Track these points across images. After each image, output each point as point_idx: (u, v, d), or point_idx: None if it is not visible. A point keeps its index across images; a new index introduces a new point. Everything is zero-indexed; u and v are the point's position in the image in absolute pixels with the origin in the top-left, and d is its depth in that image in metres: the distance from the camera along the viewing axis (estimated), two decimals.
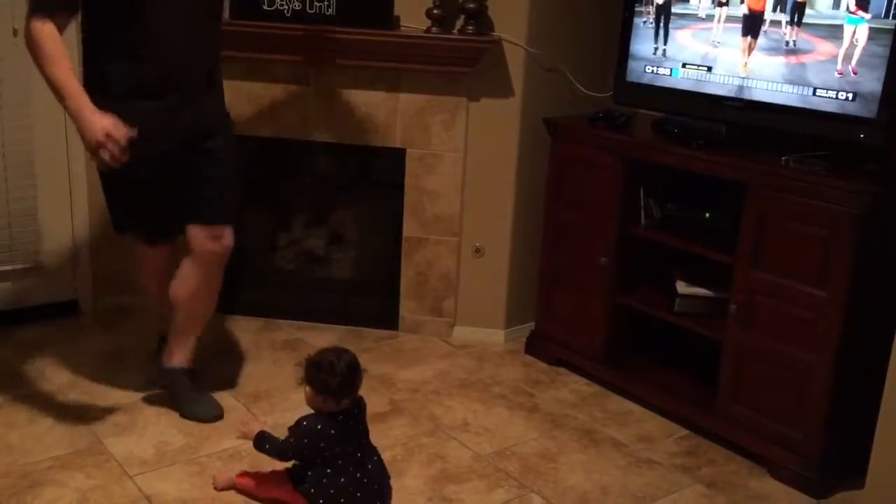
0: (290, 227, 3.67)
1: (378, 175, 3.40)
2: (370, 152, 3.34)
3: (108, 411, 2.75)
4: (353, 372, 2.19)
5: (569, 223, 3.11)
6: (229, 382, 2.97)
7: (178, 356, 2.77)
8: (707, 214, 2.80)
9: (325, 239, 3.70)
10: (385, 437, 2.68)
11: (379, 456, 2.28)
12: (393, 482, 2.39)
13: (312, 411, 2.21)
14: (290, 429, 2.21)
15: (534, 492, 2.45)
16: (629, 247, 2.97)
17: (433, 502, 2.38)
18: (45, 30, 2.22)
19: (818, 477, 2.49)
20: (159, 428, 2.67)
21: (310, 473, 2.20)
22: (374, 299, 3.52)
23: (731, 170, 2.60)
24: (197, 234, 2.61)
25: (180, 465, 2.47)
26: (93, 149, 2.24)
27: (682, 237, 2.82)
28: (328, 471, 2.18)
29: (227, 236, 2.66)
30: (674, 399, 2.86)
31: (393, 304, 3.47)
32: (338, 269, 3.68)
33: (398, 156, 3.30)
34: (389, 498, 2.27)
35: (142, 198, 2.63)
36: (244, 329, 3.40)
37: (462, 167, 3.28)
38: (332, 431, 2.16)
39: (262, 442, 2.25)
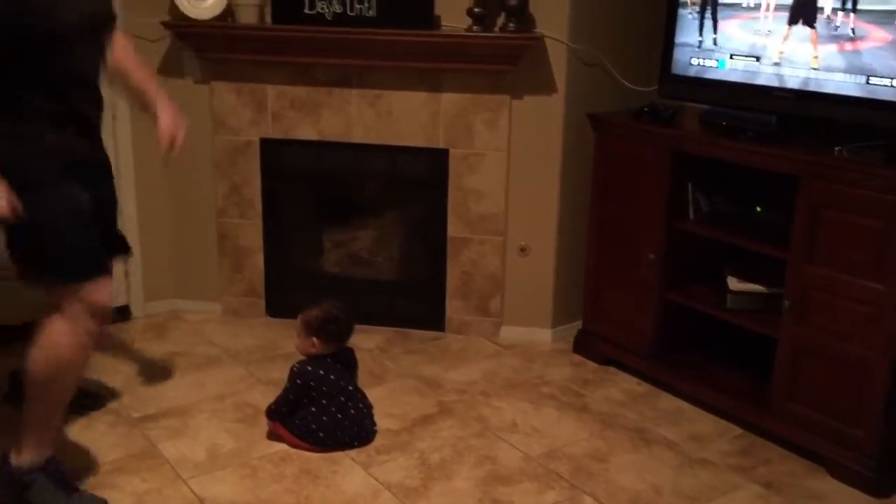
0: (334, 230, 3.68)
1: (421, 176, 3.39)
2: (413, 153, 3.33)
3: (161, 415, 2.79)
4: (350, 320, 2.69)
5: (615, 219, 3.06)
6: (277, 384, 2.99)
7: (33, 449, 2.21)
8: (758, 208, 2.74)
9: (369, 241, 3.71)
10: (434, 439, 2.67)
11: (367, 406, 2.68)
12: (442, 484, 2.39)
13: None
14: (287, 379, 2.63)
15: (585, 493, 2.42)
16: (678, 242, 2.92)
17: None
18: None
19: (878, 476, 2.42)
20: (211, 431, 2.70)
21: (298, 410, 2.60)
22: (419, 300, 3.52)
23: (782, 162, 2.54)
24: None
25: (232, 469, 2.50)
26: None
27: (732, 232, 2.76)
28: (313, 409, 2.58)
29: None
30: (727, 397, 2.81)
31: (439, 305, 3.46)
32: (383, 270, 3.68)
33: (441, 156, 3.29)
34: (368, 441, 2.63)
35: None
36: (292, 334, 3.41)
37: (506, 166, 3.25)
38: (321, 371, 2.59)
39: (271, 411, 2.65)
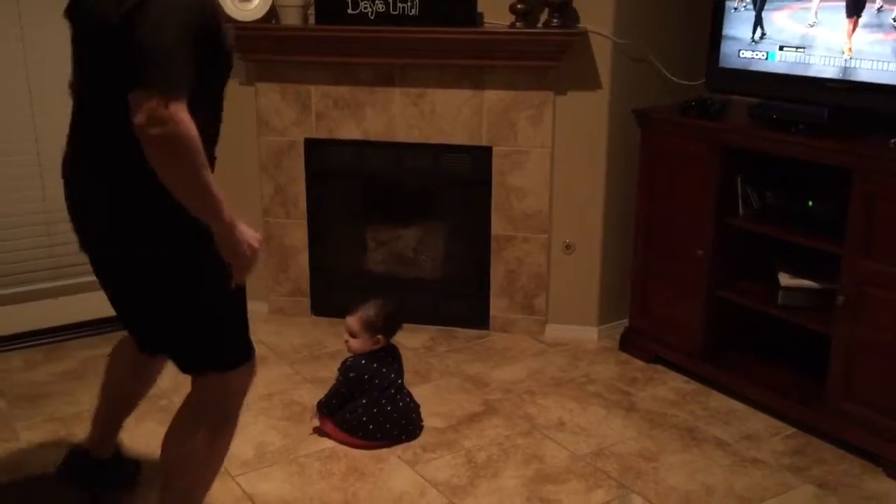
0: (378, 229, 3.69)
1: (465, 173, 3.38)
2: (456, 151, 3.32)
3: None
4: (399, 318, 2.74)
5: (662, 216, 3.02)
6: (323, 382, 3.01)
7: None
8: (810, 202, 2.68)
9: (413, 240, 3.71)
10: (480, 438, 2.66)
11: (413, 401, 2.71)
12: (489, 483, 2.37)
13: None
14: (339, 370, 2.70)
15: (634, 492, 2.39)
16: (727, 238, 2.87)
17: (531, 503, 2.35)
18: (187, 120, 1.57)
19: None
20: (258, 429, 2.72)
21: (348, 404, 2.63)
22: (464, 299, 3.51)
23: (835, 155, 2.48)
24: None
25: (280, 466, 2.51)
26: (251, 262, 1.79)
27: (784, 227, 2.71)
28: (363, 401, 2.61)
29: None
30: (779, 396, 2.75)
31: (483, 304, 3.45)
32: (427, 269, 3.68)
33: (485, 154, 3.28)
34: (415, 436, 2.66)
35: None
36: (337, 332, 3.43)
37: (550, 163, 3.23)
38: (374, 364, 2.65)
39: (321, 404, 2.69)
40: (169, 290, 1.82)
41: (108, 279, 1.95)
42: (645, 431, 2.71)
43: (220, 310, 1.88)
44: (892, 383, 2.42)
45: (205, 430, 1.96)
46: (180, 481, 2.01)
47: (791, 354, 2.92)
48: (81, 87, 1.82)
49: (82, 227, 1.91)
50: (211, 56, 1.69)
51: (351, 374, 2.66)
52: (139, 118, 1.54)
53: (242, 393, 2.00)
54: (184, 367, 1.96)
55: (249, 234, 1.78)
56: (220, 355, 1.92)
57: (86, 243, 1.92)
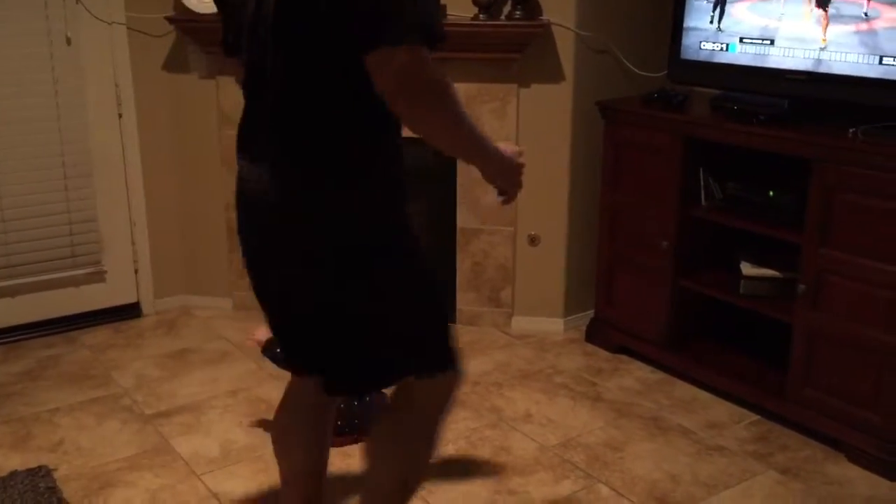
0: None
1: (429, 167, 3.37)
2: (421, 144, 3.30)
3: (174, 412, 2.78)
4: None
5: (626, 207, 3.04)
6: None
7: None
8: (771, 193, 2.71)
9: None
10: (448, 431, 2.66)
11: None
12: (458, 476, 2.38)
13: None
14: None
15: (601, 482, 2.40)
16: (690, 229, 2.89)
17: (500, 495, 2.35)
18: (441, 69, 1.44)
19: None
20: (224, 426, 2.69)
21: None
22: None
23: (795, 145, 2.51)
24: None
25: (246, 464, 2.49)
26: (519, 179, 1.75)
27: (745, 217, 2.74)
28: None
29: None
30: (742, 384, 2.78)
31: (449, 297, 3.44)
32: None
33: None
34: None
35: None
36: None
37: None
38: None
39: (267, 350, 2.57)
40: (380, 291, 1.60)
41: (297, 301, 1.68)
42: (611, 421, 2.73)
43: (424, 310, 1.69)
44: (852, 370, 2.46)
45: (413, 452, 1.76)
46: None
47: (754, 343, 2.95)
48: (277, 90, 1.53)
49: (277, 245, 1.62)
50: None
51: None
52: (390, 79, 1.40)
53: (448, 405, 1.78)
54: (381, 382, 1.74)
55: (510, 151, 1.69)
56: (432, 359, 1.70)
57: (271, 263, 1.67)
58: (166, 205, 3.50)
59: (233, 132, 3.45)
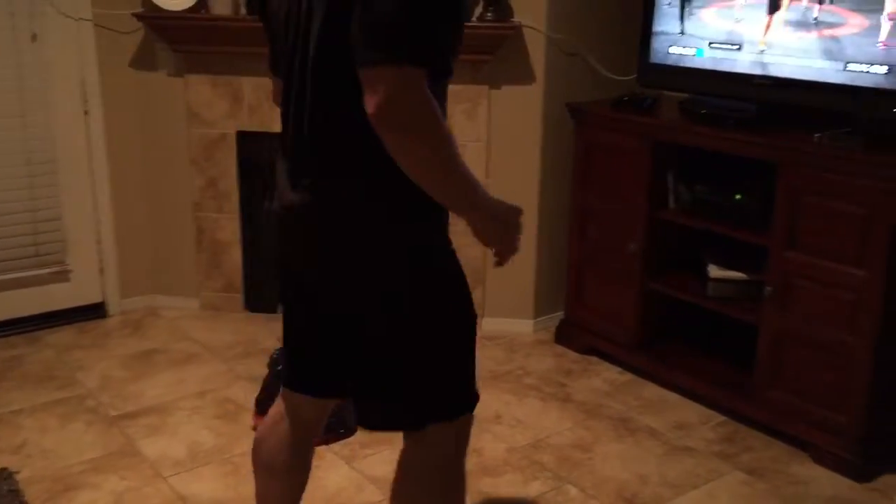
0: None
1: None
2: None
3: (140, 413, 2.74)
4: None
5: (596, 209, 3.06)
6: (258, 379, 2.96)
7: None
8: (738, 196, 2.74)
9: None
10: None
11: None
12: None
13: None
14: (267, 366, 2.64)
15: (570, 483, 2.41)
16: (659, 231, 2.91)
17: (469, 496, 2.34)
18: (429, 94, 1.34)
19: (862, 460, 2.44)
20: (191, 428, 2.66)
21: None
22: None
23: (762, 149, 2.54)
24: None
25: (213, 466, 2.46)
26: (515, 241, 1.58)
27: (712, 220, 2.76)
28: None
29: None
30: (709, 385, 2.81)
31: None
32: None
33: None
34: (352, 432, 2.59)
35: None
36: (272, 328, 3.38)
37: (485, 156, 3.23)
38: None
39: (258, 402, 2.62)
40: (414, 321, 1.51)
41: (328, 319, 1.61)
42: (580, 422, 2.74)
43: (460, 344, 1.58)
44: (817, 371, 2.49)
45: (440, 496, 1.66)
46: None
47: (721, 344, 2.98)
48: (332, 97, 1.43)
49: (318, 261, 1.53)
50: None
51: (278, 368, 2.61)
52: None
53: (467, 445, 1.69)
54: (408, 422, 1.59)
55: (507, 208, 1.52)
56: (454, 400, 1.59)
57: (308, 281, 1.60)
58: (133, 203, 3.46)
59: (202, 130, 3.44)
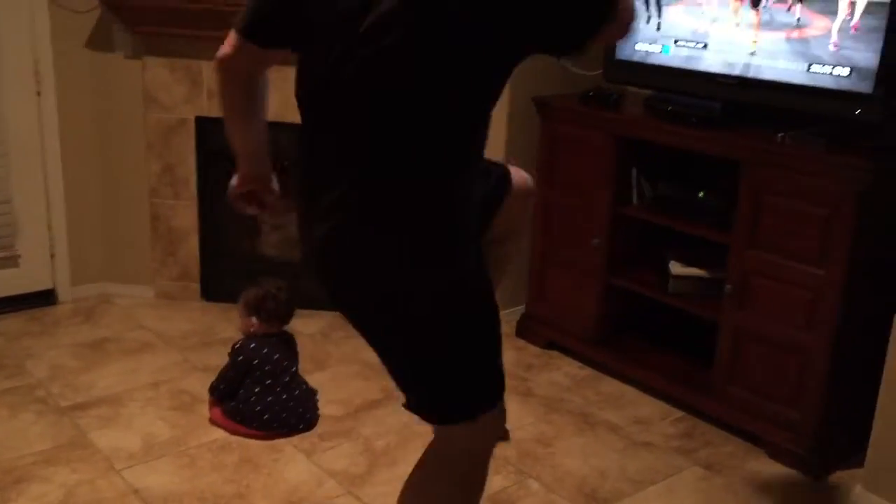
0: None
1: None
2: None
3: (92, 404, 2.67)
4: (291, 300, 2.65)
5: (560, 204, 3.06)
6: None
7: None
8: (701, 194, 2.76)
9: None
10: (379, 425, 2.63)
11: (309, 388, 2.64)
12: (387, 471, 2.35)
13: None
14: (228, 354, 2.60)
15: (532, 477, 2.41)
16: (622, 227, 2.92)
17: None
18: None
19: (817, 457, 2.48)
20: (146, 419, 2.60)
21: (241, 392, 2.54)
22: None
23: (725, 148, 2.56)
24: None
25: (169, 458, 2.41)
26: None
27: (675, 217, 2.78)
28: (256, 389, 2.52)
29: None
30: (669, 381, 2.83)
31: None
32: None
33: None
34: (312, 425, 2.59)
35: None
36: (229, 318, 3.31)
37: None
38: (265, 349, 2.55)
39: (212, 388, 2.62)
40: (450, 319, 1.53)
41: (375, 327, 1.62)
42: (542, 417, 2.74)
43: (490, 336, 1.61)
44: (775, 369, 2.53)
45: (461, 492, 1.67)
46: None
47: (681, 341, 3.01)
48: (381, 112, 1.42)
49: (363, 282, 1.53)
50: None
51: (239, 358, 2.57)
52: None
53: (494, 441, 1.72)
54: (444, 415, 1.61)
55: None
56: (485, 392, 1.61)
57: (353, 299, 1.59)
58: (86, 188, 3.36)
59: (159, 115, 3.35)
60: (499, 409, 1.63)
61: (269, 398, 2.53)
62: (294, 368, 2.62)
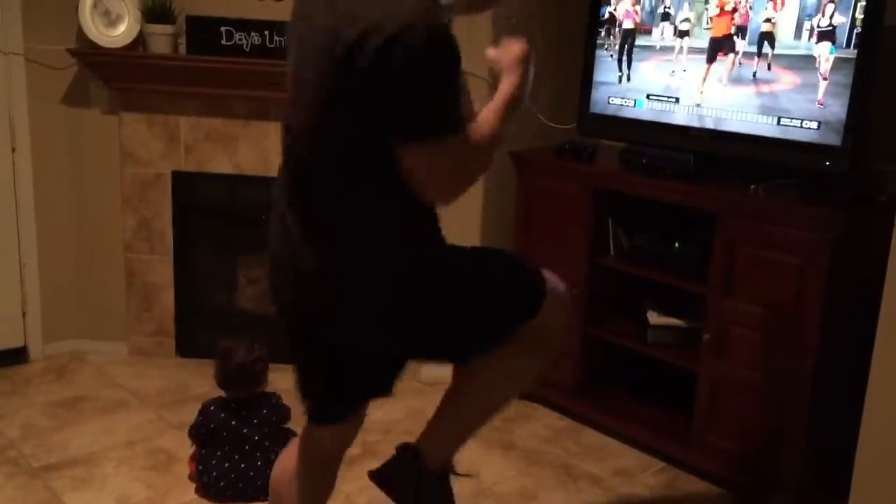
0: (251, 266, 3.57)
1: None
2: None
3: (66, 464, 2.61)
4: (242, 369, 2.51)
5: (538, 255, 3.07)
6: None
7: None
8: (676, 244, 2.80)
9: None
10: (359, 480, 2.58)
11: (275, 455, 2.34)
12: None
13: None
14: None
15: None
16: (599, 278, 2.95)
17: None
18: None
19: None
20: (120, 480, 2.54)
21: (204, 452, 2.48)
22: None
23: (699, 199, 2.61)
24: None
25: None
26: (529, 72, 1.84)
27: (652, 267, 2.81)
28: (218, 453, 2.46)
29: None
30: (649, 431, 2.83)
31: None
32: None
33: None
34: None
35: None
36: (205, 374, 3.27)
37: None
38: (222, 414, 2.48)
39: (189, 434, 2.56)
40: (450, 297, 1.78)
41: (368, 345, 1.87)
42: (523, 469, 2.72)
43: (498, 270, 1.91)
44: (753, 417, 2.54)
45: (536, 357, 1.93)
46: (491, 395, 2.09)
47: (660, 390, 3.02)
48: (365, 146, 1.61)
49: (349, 315, 1.76)
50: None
51: (199, 418, 2.53)
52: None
53: (563, 315, 1.95)
54: (500, 339, 1.86)
55: (513, 49, 1.79)
56: (529, 299, 1.86)
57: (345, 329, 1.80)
58: (61, 243, 3.33)
59: (135, 170, 3.35)
60: (549, 294, 1.88)
61: (226, 464, 2.45)
62: (258, 437, 2.49)
